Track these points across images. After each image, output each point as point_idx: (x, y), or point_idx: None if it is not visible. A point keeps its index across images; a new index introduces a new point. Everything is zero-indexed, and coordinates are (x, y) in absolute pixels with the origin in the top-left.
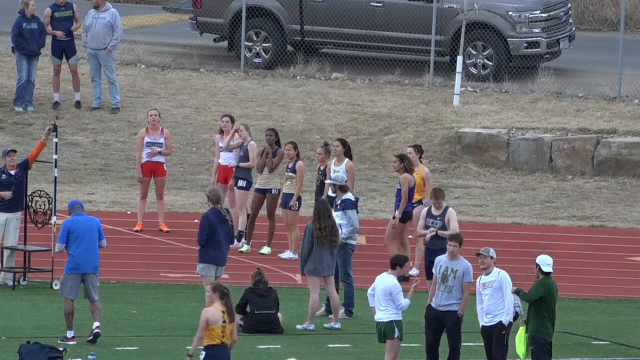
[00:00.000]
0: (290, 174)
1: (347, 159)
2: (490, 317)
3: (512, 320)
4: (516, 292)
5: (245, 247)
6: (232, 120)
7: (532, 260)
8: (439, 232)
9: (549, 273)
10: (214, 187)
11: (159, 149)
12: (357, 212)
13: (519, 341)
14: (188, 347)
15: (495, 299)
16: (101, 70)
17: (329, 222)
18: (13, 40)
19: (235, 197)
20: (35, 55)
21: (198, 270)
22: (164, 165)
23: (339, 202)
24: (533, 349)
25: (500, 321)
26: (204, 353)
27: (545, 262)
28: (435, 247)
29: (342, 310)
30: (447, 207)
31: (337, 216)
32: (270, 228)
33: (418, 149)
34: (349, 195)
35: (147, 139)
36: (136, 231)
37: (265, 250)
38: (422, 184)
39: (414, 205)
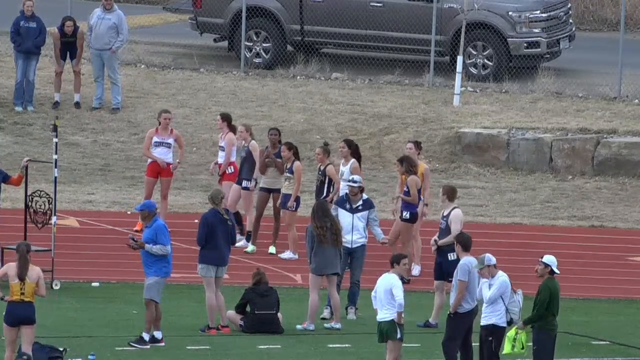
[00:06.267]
0: (288, 174)
1: (352, 159)
2: (482, 317)
3: (505, 325)
4: (522, 327)
5: (250, 248)
6: (224, 119)
7: (532, 260)
8: (439, 242)
9: (555, 274)
10: (217, 188)
11: (174, 161)
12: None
13: (508, 341)
14: (188, 347)
15: (488, 302)
16: (104, 70)
17: (325, 220)
18: (10, 38)
19: (242, 198)
20: (32, 54)
21: (198, 270)
22: (172, 165)
23: (359, 203)
24: (535, 348)
25: (491, 324)
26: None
27: (554, 263)
28: (443, 246)
29: (353, 311)
30: (454, 208)
31: (359, 217)
32: (276, 227)
33: (417, 145)
34: (366, 196)
35: (155, 139)
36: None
37: (272, 249)
38: (421, 180)
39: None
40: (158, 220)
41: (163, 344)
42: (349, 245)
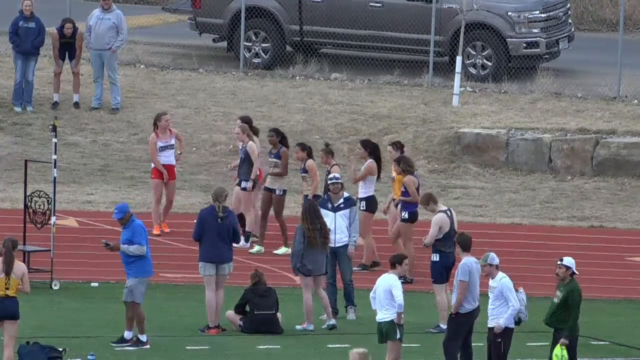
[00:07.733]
0: (303, 174)
1: (370, 160)
2: (490, 319)
3: (512, 325)
4: (566, 342)
5: (257, 248)
6: (246, 122)
7: (532, 260)
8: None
9: (575, 275)
10: (220, 186)
11: (175, 151)
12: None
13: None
14: (188, 347)
15: (495, 304)
16: (104, 70)
17: (316, 222)
18: (9, 38)
19: (241, 198)
20: (31, 55)
21: (199, 269)
22: (175, 167)
23: (340, 201)
24: (570, 350)
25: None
26: None
27: (574, 264)
28: (444, 249)
29: (353, 311)
30: (438, 212)
31: (340, 216)
32: (282, 228)
33: (397, 146)
34: (347, 194)
35: (160, 144)
36: (156, 235)
37: (281, 250)
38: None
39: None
40: (135, 220)
41: (148, 346)
42: (332, 245)
